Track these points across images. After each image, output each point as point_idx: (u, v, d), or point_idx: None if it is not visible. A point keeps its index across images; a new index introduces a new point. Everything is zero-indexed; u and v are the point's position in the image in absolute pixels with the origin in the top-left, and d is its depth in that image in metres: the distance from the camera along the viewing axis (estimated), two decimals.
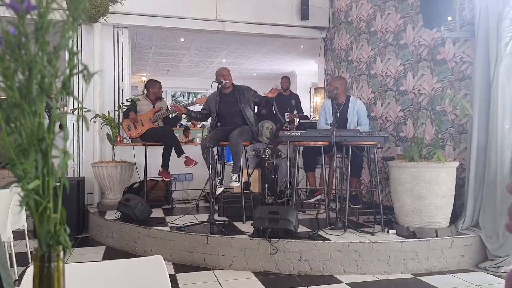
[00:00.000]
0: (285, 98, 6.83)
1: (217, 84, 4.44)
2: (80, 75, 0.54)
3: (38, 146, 0.52)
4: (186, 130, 9.89)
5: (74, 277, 1.23)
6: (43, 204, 0.53)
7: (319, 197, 4.52)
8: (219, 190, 4.51)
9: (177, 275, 3.51)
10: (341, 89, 4.53)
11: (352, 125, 4.54)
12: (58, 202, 0.55)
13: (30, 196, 0.52)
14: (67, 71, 0.53)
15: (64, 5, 0.52)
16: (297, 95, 7.08)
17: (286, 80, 6.97)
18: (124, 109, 5.35)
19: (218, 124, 4.64)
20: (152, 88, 5.47)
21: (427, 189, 3.64)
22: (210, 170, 4.21)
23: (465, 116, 3.97)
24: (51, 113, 0.55)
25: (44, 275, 0.55)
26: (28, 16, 0.51)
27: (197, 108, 10.87)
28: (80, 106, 5.15)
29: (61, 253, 0.56)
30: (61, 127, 0.67)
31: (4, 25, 0.49)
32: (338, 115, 4.19)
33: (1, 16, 0.50)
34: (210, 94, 4.77)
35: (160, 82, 5.60)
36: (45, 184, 0.54)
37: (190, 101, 14.80)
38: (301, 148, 4.39)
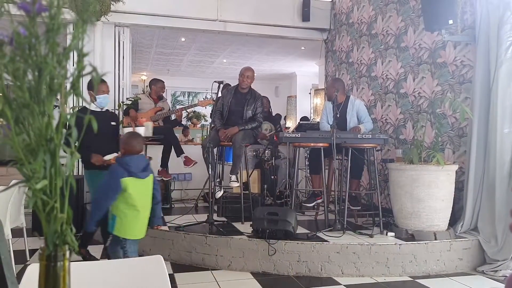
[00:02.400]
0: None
1: (217, 83, 4.44)
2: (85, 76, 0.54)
3: (47, 146, 0.52)
4: (185, 129, 9.84)
5: (74, 275, 1.24)
6: (50, 204, 0.54)
7: (319, 201, 4.52)
8: (219, 194, 4.51)
9: (175, 275, 3.51)
10: (340, 90, 4.55)
11: (352, 124, 4.54)
12: (64, 202, 0.56)
13: (38, 196, 0.52)
14: (76, 72, 0.53)
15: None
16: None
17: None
18: (125, 108, 5.35)
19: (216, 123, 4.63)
20: (154, 86, 5.47)
21: (426, 192, 3.65)
22: (210, 170, 4.21)
23: (464, 120, 3.98)
24: None
25: (50, 274, 0.56)
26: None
27: (197, 109, 10.72)
28: (81, 105, 5.14)
29: (67, 253, 0.57)
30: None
31: (15, 26, 0.49)
32: (338, 115, 4.21)
33: (12, 15, 0.50)
34: (226, 89, 4.75)
35: (163, 82, 5.60)
36: (52, 184, 0.54)
37: (191, 103, 14.78)
38: (300, 149, 4.39)
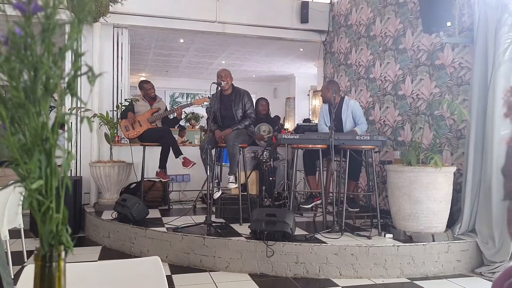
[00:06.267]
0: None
1: (216, 85, 4.45)
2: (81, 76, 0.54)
3: (42, 146, 0.52)
4: (182, 130, 9.76)
5: (72, 276, 1.23)
6: (46, 204, 0.54)
7: (317, 202, 4.53)
8: (217, 195, 4.51)
9: (173, 276, 3.51)
10: (336, 92, 4.56)
11: (348, 125, 4.55)
12: (60, 202, 0.55)
13: (33, 196, 0.52)
14: (72, 72, 0.53)
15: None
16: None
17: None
18: (122, 110, 5.35)
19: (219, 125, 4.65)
20: (142, 90, 5.49)
21: (424, 193, 3.65)
22: (208, 172, 4.21)
23: (462, 121, 3.99)
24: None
25: (45, 274, 0.56)
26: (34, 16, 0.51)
27: (195, 109, 10.69)
28: (79, 106, 5.13)
29: (63, 253, 0.56)
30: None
31: (10, 26, 0.49)
32: (333, 116, 4.21)
33: (8, 15, 0.50)
34: (213, 94, 4.76)
35: (149, 82, 5.56)
36: (48, 184, 0.54)
37: (188, 102, 14.79)
38: (299, 150, 4.39)
